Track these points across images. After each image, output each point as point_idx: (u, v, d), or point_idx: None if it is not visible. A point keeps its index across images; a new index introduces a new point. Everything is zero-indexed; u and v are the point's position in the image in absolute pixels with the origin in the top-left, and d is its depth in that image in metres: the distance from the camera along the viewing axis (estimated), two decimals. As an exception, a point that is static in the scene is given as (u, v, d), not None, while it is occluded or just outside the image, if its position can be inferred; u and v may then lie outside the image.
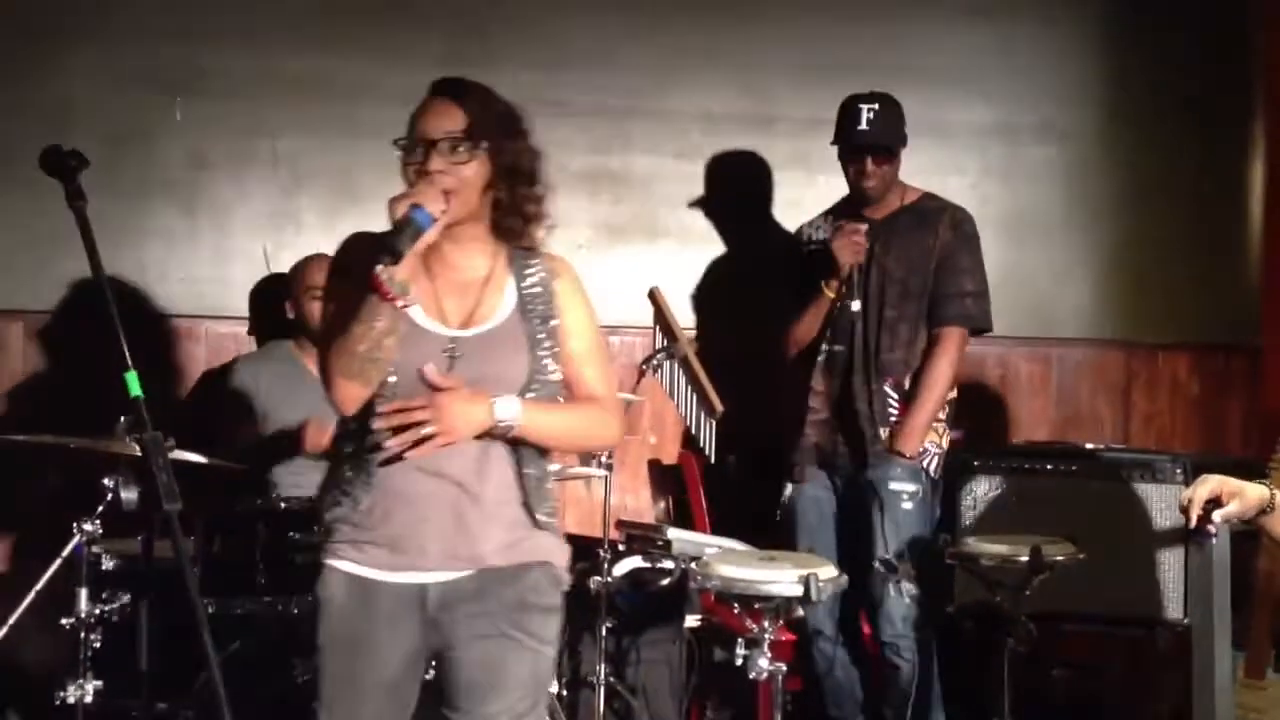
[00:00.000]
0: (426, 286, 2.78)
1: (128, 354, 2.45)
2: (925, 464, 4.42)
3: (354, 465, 2.77)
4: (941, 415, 4.46)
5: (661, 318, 4.53)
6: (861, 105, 4.44)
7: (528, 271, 2.85)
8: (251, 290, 4.86)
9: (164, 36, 4.80)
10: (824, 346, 4.48)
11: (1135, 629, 4.52)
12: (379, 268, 2.58)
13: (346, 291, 2.68)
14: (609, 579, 4.14)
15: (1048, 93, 5.44)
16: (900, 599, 4.34)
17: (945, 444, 4.48)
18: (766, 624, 3.67)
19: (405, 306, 2.64)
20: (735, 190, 5.24)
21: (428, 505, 2.73)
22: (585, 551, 4.45)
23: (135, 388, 2.43)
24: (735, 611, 3.76)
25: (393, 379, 2.72)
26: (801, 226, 4.71)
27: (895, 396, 4.44)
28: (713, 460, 4.55)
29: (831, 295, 4.45)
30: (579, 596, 4.24)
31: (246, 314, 4.86)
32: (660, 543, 4.14)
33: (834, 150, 4.52)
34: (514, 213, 2.80)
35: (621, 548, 4.21)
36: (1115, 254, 5.55)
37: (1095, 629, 4.54)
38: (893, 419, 4.42)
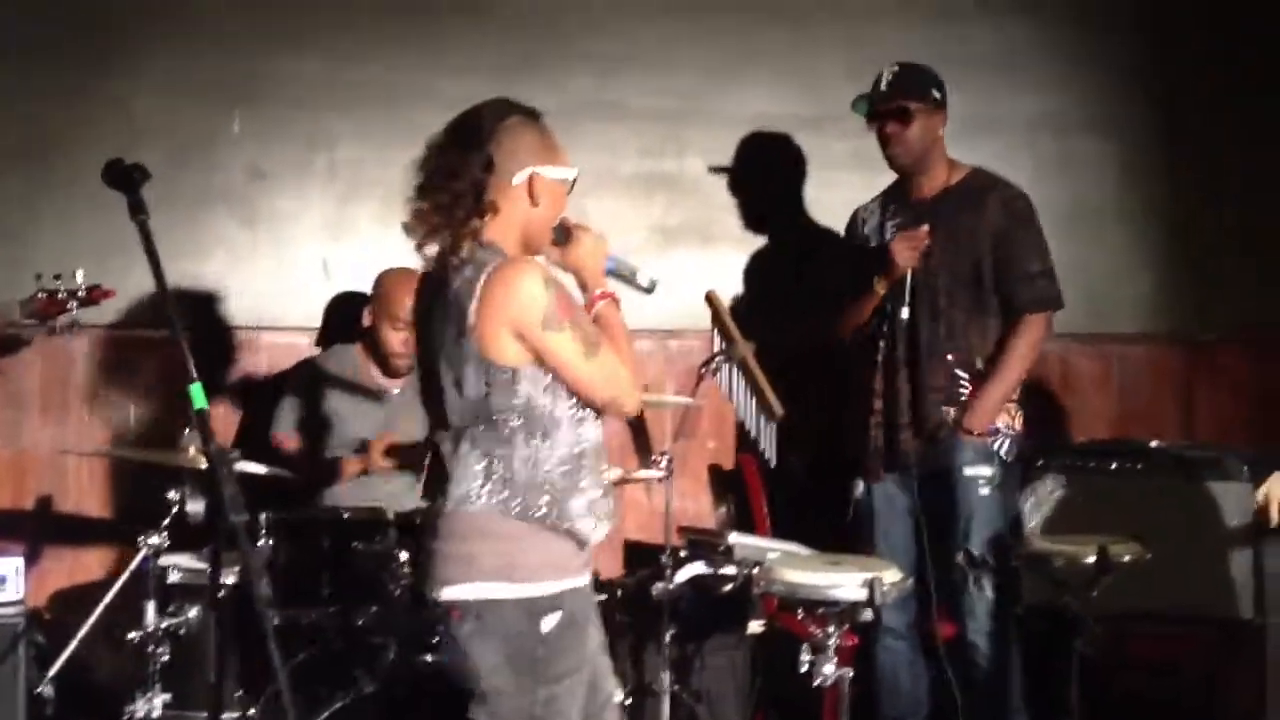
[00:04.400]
0: None
1: (192, 366, 2.46)
2: (996, 446, 4.33)
3: (583, 480, 2.94)
4: (1014, 396, 4.37)
5: (719, 320, 4.51)
6: (882, 72, 4.37)
7: None
8: (326, 306, 4.87)
9: (222, 49, 4.83)
10: (880, 345, 4.39)
11: (1204, 628, 4.47)
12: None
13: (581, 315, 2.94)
14: (671, 585, 4.12)
15: (1099, 85, 5.37)
16: (982, 594, 4.28)
17: (1018, 425, 4.39)
18: (831, 629, 3.64)
19: None
20: (790, 192, 5.22)
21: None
22: (647, 558, 4.45)
23: (200, 400, 2.43)
24: (799, 617, 3.73)
25: None
26: (857, 210, 4.63)
27: (966, 377, 4.35)
28: (773, 464, 4.52)
29: (882, 292, 4.36)
30: (642, 603, 4.25)
31: (305, 325, 4.88)
32: (722, 548, 4.10)
33: None
34: None
35: (683, 554, 4.19)
36: (1173, 247, 5.47)
37: (1164, 629, 4.49)
38: (963, 399, 4.34)
